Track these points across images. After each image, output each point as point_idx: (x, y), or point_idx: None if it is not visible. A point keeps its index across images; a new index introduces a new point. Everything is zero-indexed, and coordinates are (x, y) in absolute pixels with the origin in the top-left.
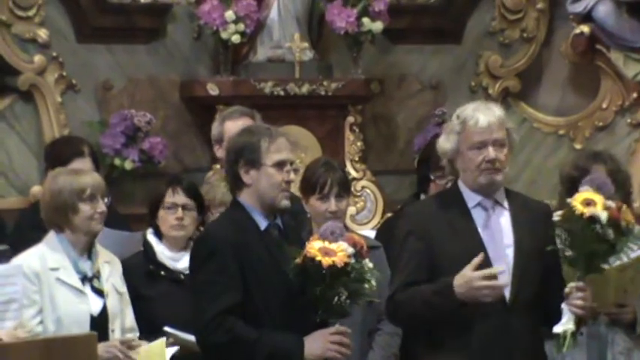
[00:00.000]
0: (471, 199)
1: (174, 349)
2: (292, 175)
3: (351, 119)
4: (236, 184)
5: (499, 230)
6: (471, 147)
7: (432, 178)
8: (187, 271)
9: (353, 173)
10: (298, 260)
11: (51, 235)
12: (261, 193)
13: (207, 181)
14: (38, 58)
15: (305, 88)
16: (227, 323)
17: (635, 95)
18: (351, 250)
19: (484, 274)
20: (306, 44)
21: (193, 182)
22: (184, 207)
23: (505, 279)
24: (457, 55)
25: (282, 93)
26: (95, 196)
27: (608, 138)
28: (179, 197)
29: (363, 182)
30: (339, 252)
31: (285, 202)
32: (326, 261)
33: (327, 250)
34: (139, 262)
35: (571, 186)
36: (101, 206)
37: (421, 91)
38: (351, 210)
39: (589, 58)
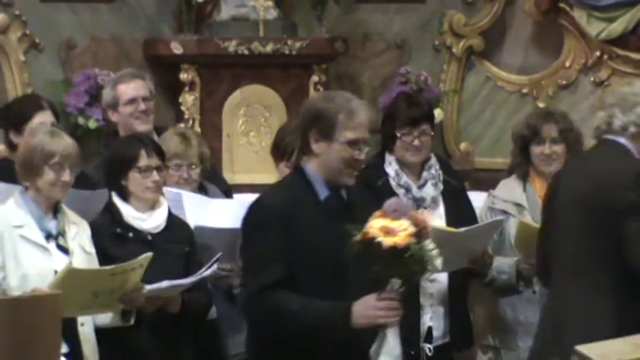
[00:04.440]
0: None
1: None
2: (363, 156)
3: (315, 78)
4: (303, 148)
5: None
6: None
7: (398, 135)
8: (154, 231)
9: None
10: (358, 238)
11: (17, 193)
12: (327, 166)
13: (162, 136)
14: (1, 17)
15: (269, 47)
16: (270, 297)
17: (598, 54)
18: (412, 229)
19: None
20: (270, 2)
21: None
22: (158, 169)
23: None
24: (421, 14)
25: (246, 52)
26: (62, 165)
27: (571, 96)
28: (154, 160)
29: None
30: (401, 231)
31: (349, 180)
32: (387, 242)
33: (388, 229)
34: (105, 223)
35: (523, 145)
36: (66, 176)
37: (385, 50)
38: None
39: (552, 16)
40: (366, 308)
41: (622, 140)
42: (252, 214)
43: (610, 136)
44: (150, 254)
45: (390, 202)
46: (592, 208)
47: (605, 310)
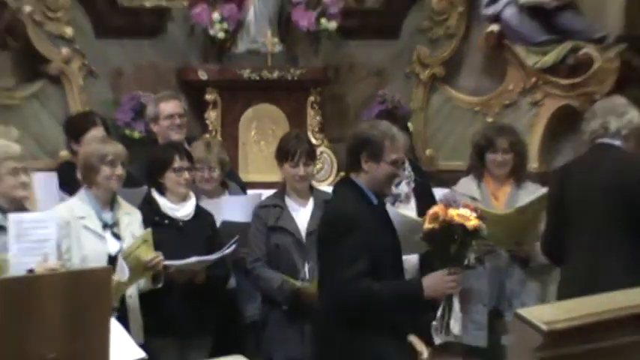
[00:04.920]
0: None
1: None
2: (401, 172)
3: (312, 98)
4: (353, 165)
5: None
6: None
7: None
8: (185, 219)
9: (313, 141)
10: (432, 226)
11: (82, 190)
12: (375, 181)
13: (192, 144)
14: (65, 50)
15: (275, 74)
16: (357, 284)
17: (534, 79)
18: (474, 214)
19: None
20: (276, 39)
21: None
22: (188, 169)
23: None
24: (395, 48)
25: (257, 78)
26: (115, 162)
27: (513, 113)
28: (185, 163)
29: (322, 148)
30: (471, 216)
31: (389, 190)
32: (471, 225)
33: (463, 216)
34: (146, 213)
35: (479, 152)
36: (119, 170)
37: (367, 77)
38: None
39: (498, 50)
40: (438, 282)
41: (617, 143)
42: (334, 221)
43: (606, 140)
44: (149, 229)
45: (445, 196)
46: (618, 195)
47: (634, 273)
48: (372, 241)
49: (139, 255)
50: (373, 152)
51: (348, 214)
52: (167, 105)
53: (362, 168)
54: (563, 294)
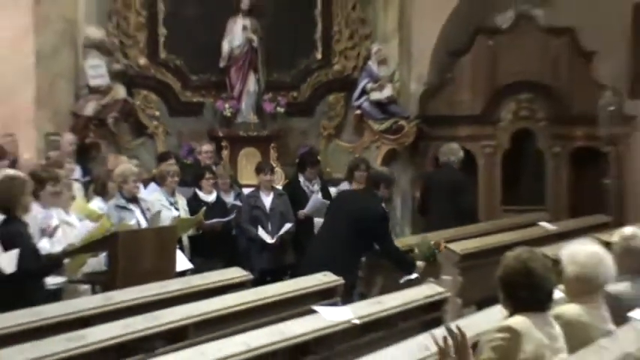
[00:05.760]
0: None
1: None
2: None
3: (272, 145)
4: (374, 185)
5: None
6: None
7: (308, 168)
8: (211, 202)
9: (273, 165)
10: (433, 244)
11: (158, 188)
12: (383, 194)
13: (217, 167)
14: (155, 122)
15: (255, 134)
16: (399, 249)
17: (377, 137)
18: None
19: None
20: (255, 117)
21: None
22: (213, 179)
23: None
24: (312, 121)
25: (246, 135)
26: (174, 175)
27: (368, 152)
28: (212, 175)
29: (277, 168)
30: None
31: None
32: (441, 247)
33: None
34: (192, 200)
35: (351, 170)
36: (176, 178)
37: (299, 135)
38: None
39: (361, 122)
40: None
41: (455, 165)
42: (379, 214)
43: (449, 162)
44: (204, 209)
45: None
46: (452, 188)
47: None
48: None
49: (198, 217)
50: (389, 183)
51: (380, 208)
52: (204, 146)
53: (379, 189)
54: (429, 230)
